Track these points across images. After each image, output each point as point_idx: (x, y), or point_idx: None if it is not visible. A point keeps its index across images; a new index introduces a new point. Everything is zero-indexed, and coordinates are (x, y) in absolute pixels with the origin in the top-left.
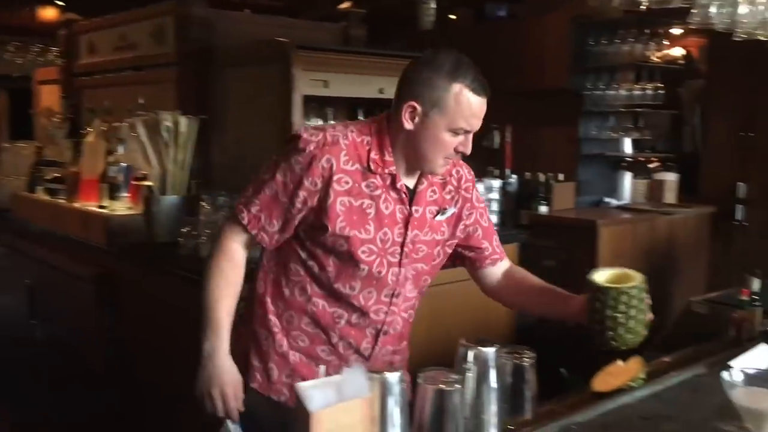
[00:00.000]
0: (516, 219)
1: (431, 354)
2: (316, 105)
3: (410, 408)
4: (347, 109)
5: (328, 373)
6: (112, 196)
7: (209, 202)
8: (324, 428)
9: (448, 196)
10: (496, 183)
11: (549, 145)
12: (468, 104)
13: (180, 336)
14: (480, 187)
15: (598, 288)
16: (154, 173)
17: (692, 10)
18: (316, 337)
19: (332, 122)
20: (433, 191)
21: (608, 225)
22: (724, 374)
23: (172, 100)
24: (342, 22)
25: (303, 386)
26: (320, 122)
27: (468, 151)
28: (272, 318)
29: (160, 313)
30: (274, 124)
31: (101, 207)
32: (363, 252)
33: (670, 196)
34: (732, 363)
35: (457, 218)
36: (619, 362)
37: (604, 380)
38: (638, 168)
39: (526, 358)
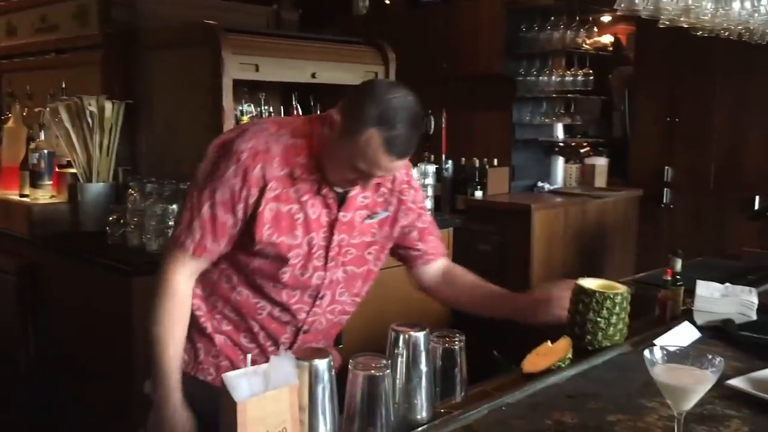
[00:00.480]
0: (452, 204)
1: (366, 339)
2: (247, 89)
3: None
4: (280, 93)
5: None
6: (34, 185)
7: (137, 189)
8: (250, 417)
9: (380, 199)
10: (432, 168)
11: (483, 130)
12: (374, 154)
13: (107, 329)
14: (415, 172)
15: (584, 291)
16: (78, 160)
17: None
18: (239, 324)
19: (262, 118)
20: (365, 196)
21: (541, 209)
22: (646, 352)
23: (97, 84)
24: (274, 5)
25: (229, 376)
26: (252, 107)
27: (366, 189)
28: (197, 302)
29: (87, 305)
30: (203, 108)
31: (23, 196)
32: (290, 256)
33: (600, 180)
34: (656, 341)
35: (393, 220)
36: (548, 343)
37: (534, 361)
38: (570, 153)
39: (457, 341)
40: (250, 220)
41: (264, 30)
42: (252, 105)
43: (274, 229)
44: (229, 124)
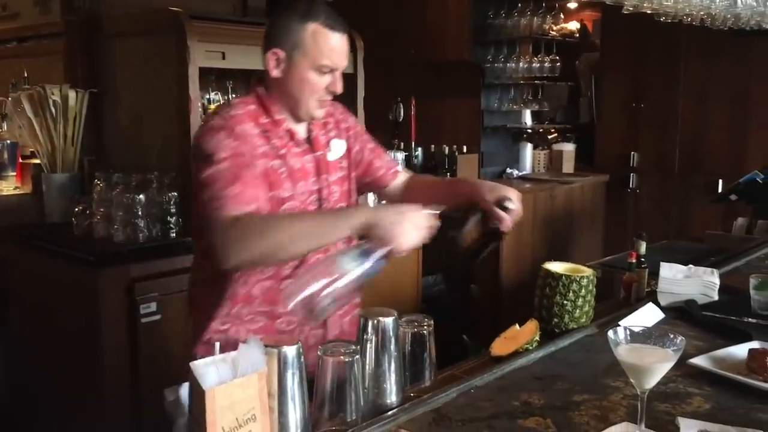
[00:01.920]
0: None
1: None
2: (214, 77)
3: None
4: (248, 81)
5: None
6: None
7: (103, 179)
8: (219, 405)
9: (332, 133)
10: (401, 155)
11: (452, 117)
12: (326, 40)
13: (74, 321)
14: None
15: (550, 274)
16: (42, 150)
17: None
18: (268, 316)
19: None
20: (323, 134)
21: None
22: (610, 333)
23: (60, 73)
24: None
25: (197, 364)
26: (219, 95)
27: (339, 89)
28: (220, 318)
29: (53, 297)
30: (170, 96)
31: None
32: (284, 209)
33: (568, 165)
34: (621, 322)
35: (348, 150)
36: (516, 326)
37: (502, 344)
38: (538, 139)
39: (426, 326)
40: None
41: (230, 17)
42: (219, 93)
43: (267, 183)
44: (195, 113)
